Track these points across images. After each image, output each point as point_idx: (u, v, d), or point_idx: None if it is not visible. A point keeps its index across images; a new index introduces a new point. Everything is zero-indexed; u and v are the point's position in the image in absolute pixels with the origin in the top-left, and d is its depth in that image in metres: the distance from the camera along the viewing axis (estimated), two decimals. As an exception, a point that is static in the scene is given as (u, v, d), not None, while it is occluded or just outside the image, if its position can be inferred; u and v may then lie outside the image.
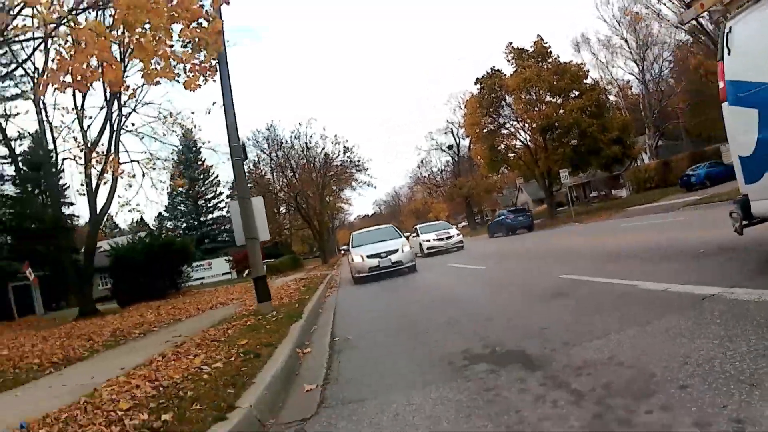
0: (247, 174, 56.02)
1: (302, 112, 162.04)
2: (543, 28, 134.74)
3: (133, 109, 26.15)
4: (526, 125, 49.04)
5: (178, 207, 78.29)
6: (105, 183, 25.40)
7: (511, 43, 50.07)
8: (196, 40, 10.29)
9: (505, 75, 50.46)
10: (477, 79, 52.07)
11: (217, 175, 79.13)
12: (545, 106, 47.28)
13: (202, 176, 74.97)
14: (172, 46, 10.42)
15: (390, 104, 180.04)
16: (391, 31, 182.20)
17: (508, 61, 50.32)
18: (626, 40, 54.12)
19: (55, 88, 9.97)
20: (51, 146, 26.49)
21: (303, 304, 12.76)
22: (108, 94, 24.50)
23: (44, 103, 25.58)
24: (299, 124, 79.43)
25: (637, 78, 55.87)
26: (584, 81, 47.23)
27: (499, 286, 11.18)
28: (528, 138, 50.19)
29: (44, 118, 25.89)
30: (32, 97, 25.22)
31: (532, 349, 5.22)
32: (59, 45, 10.34)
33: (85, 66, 9.67)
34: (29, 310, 36.09)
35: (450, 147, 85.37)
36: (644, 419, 3.12)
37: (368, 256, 19.59)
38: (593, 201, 63.12)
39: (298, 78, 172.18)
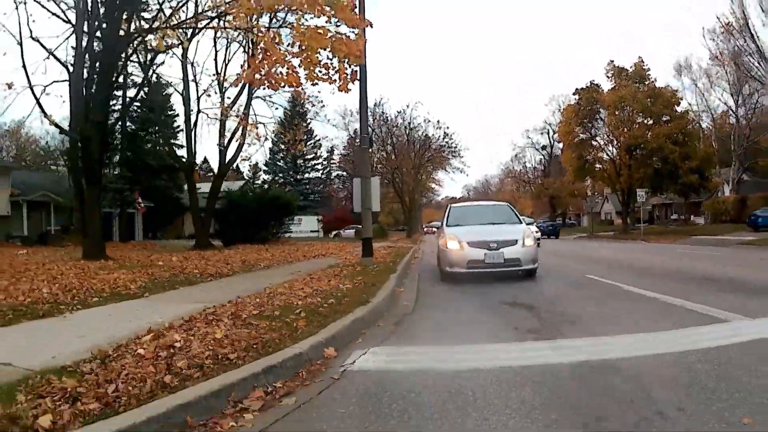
0: (347, 143, 60.12)
1: (409, 94, 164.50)
2: (646, 47, 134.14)
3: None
4: (615, 141, 51.41)
5: (278, 162, 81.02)
6: (236, 140, 29.68)
7: (612, 61, 52.68)
8: (346, 57, 14.17)
9: (603, 90, 52.83)
10: (576, 89, 54.74)
11: (319, 138, 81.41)
12: (635, 126, 49.63)
13: (305, 137, 77.99)
14: (330, 58, 14.34)
15: (491, 95, 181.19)
16: (500, 25, 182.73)
17: (608, 77, 52.74)
18: (726, 71, 53.44)
19: (249, 82, 14.29)
20: (193, 103, 30.50)
21: (395, 264, 16.40)
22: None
23: (191, 62, 29.81)
24: (406, 105, 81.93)
25: (731, 110, 55.32)
26: (676, 107, 49.22)
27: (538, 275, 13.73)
28: (614, 153, 52.46)
29: (189, 77, 29.91)
30: (180, 55, 29.17)
31: (535, 304, 8.98)
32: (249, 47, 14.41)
33: (273, 69, 13.80)
34: (130, 236, 41.42)
35: (544, 147, 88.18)
36: (567, 328, 6.84)
37: (470, 244, 12.94)
38: (672, 223, 65.01)
39: (406, 61, 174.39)
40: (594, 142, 54.29)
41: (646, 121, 49.98)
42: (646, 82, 50.53)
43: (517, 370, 4.91)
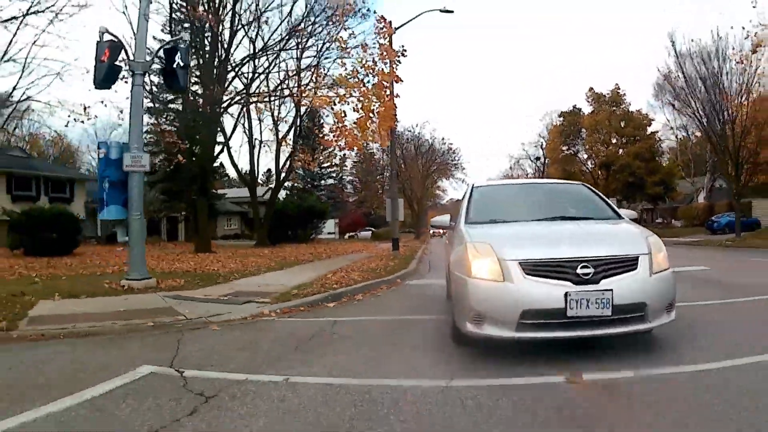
0: (362, 154, 67.85)
1: (417, 108, 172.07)
2: (629, 66, 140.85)
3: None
4: (593, 158, 59.63)
5: (297, 170, 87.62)
6: (284, 168, 38.34)
7: (592, 88, 60.66)
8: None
9: (584, 113, 61.23)
10: (561, 112, 63.45)
11: (333, 148, 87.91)
12: (609, 146, 57.97)
13: (322, 146, 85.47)
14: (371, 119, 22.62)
15: (494, 109, 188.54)
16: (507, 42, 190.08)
17: (588, 102, 61.03)
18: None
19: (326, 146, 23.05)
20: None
21: (413, 254, 24.37)
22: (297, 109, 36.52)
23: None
24: (416, 124, 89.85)
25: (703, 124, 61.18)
26: (647, 128, 57.50)
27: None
28: (592, 168, 60.36)
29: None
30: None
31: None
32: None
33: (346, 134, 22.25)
34: (174, 237, 52.17)
35: (537, 158, 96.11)
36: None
37: (528, 267, 5.32)
38: (656, 226, 72.71)
39: (415, 79, 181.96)
40: (576, 158, 62.28)
41: (618, 141, 57.93)
42: (621, 106, 58.66)
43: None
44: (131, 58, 12.07)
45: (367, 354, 6.06)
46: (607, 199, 7.80)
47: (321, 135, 27.70)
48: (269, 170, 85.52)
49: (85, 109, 21.54)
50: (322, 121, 38.99)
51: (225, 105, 26.89)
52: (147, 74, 16.60)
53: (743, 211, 49.56)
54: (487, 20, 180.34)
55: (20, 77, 30.92)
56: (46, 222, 23.54)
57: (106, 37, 11.13)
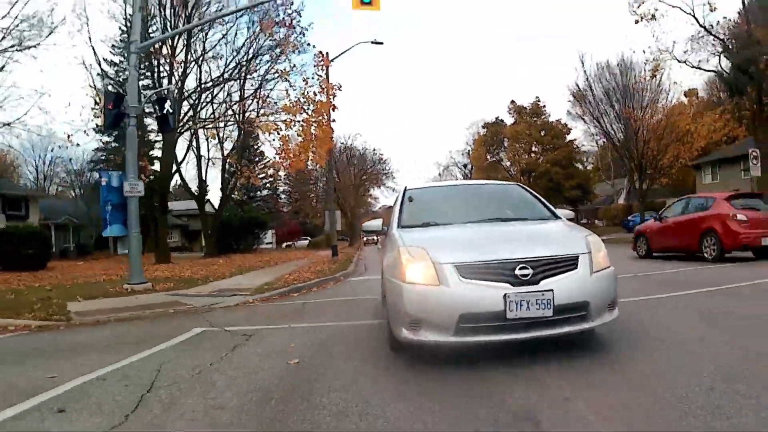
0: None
1: (350, 117, 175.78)
2: (550, 77, 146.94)
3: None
4: (515, 165, 64.09)
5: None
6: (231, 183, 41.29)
7: (513, 101, 65.30)
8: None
9: (506, 124, 65.70)
10: (485, 123, 67.93)
11: (269, 160, 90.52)
12: (530, 155, 62.52)
13: (257, 159, 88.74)
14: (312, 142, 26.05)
15: (424, 119, 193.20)
16: (436, 56, 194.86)
17: (509, 113, 65.55)
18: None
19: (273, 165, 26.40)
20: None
21: (350, 259, 27.90)
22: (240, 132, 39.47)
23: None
24: (348, 136, 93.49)
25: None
26: (565, 137, 62.27)
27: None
28: (514, 174, 64.59)
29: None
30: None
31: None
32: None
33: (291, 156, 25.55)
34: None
35: (465, 165, 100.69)
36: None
37: (464, 270, 5.21)
38: (582, 225, 77.41)
39: (347, 86, 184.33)
40: (500, 165, 66.69)
41: (538, 150, 62.58)
42: (542, 117, 63.35)
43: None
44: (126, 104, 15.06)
45: (331, 316, 9.40)
46: (543, 199, 7.74)
47: (258, 150, 30.93)
48: (206, 184, 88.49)
49: (69, 137, 24.54)
50: (258, 138, 41.81)
51: (181, 130, 29.66)
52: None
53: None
54: (416, 38, 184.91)
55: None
56: (23, 239, 25.82)
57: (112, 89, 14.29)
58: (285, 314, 10.02)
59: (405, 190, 8.14)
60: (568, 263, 5.35)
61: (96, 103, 24.38)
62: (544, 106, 64.53)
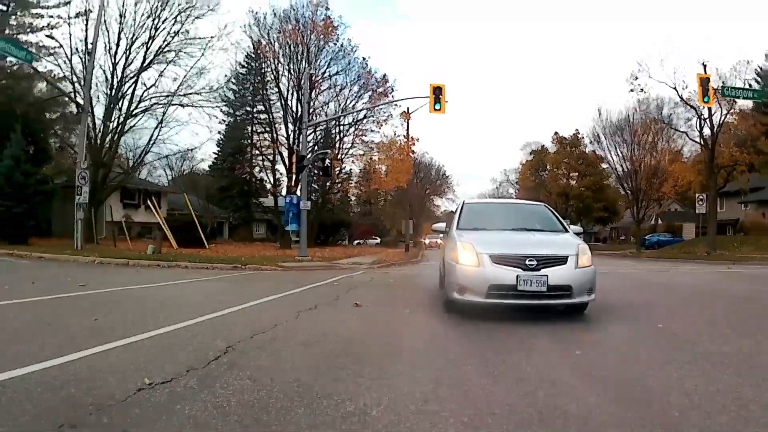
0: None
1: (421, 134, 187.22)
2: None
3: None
4: (553, 189, 74.12)
5: (313, 185, 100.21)
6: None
7: (557, 132, 75.13)
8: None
9: (549, 152, 76.15)
10: (532, 150, 78.65)
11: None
12: (566, 180, 73.09)
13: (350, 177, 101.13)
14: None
15: (484, 139, 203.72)
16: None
17: (552, 143, 75.68)
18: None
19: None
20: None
21: (417, 254, 39.14)
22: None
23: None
24: (419, 154, 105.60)
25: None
26: (599, 165, 72.17)
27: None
28: (552, 196, 73.86)
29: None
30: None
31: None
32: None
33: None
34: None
35: (517, 182, 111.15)
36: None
37: (494, 259, 8.22)
38: (618, 242, 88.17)
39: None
40: (542, 187, 76.75)
41: (574, 176, 73.00)
42: (579, 147, 73.18)
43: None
44: (297, 160, 27.17)
45: (409, 272, 21.06)
46: (560, 217, 10.52)
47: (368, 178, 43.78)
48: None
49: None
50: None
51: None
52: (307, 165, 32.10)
53: (674, 231, 64.85)
54: (478, 63, 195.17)
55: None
56: (190, 225, 35.91)
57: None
58: (387, 271, 21.43)
59: (463, 203, 11.36)
60: (561, 260, 8.08)
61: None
62: (583, 137, 74.18)
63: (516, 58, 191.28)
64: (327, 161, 27.32)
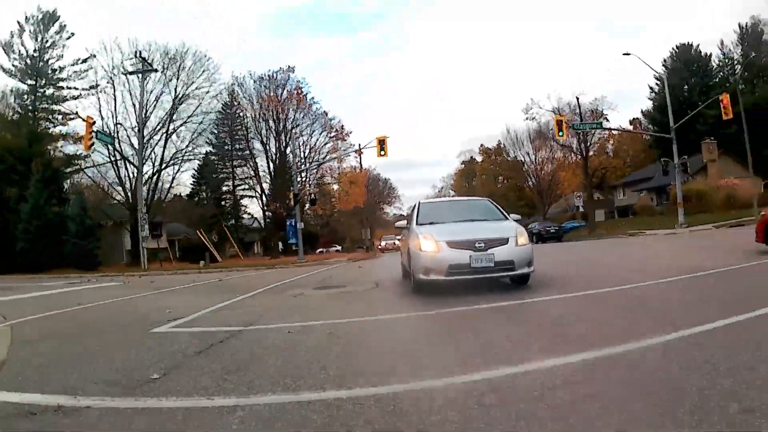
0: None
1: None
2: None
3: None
4: (483, 192, 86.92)
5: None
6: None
7: (482, 145, 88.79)
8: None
9: (477, 162, 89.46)
10: (462, 161, 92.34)
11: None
12: (495, 185, 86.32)
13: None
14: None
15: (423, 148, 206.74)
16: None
17: (479, 153, 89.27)
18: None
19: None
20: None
21: (375, 254, 50.76)
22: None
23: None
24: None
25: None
26: (522, 169, 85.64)
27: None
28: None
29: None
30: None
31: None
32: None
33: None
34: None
35: (452, 188, 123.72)
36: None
37: (450, 245, 9.90)
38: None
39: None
40: (473, 192, 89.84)
41: (499, 179, 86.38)
42: (502, 155, 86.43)
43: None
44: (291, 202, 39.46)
45: (377, 260, 32.72)
46: (500, 208, 12.50)
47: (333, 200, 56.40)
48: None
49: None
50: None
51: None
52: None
53: (586, 218, 78.24)
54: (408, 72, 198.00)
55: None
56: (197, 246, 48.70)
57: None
58: (362, 264, 31.33)
59: (419, 203, 13.41)
60: (503, 241, 9.87)
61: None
62: (505, 147, 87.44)
63: (449, 66, 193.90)
64: (313, 195, 39.62)
